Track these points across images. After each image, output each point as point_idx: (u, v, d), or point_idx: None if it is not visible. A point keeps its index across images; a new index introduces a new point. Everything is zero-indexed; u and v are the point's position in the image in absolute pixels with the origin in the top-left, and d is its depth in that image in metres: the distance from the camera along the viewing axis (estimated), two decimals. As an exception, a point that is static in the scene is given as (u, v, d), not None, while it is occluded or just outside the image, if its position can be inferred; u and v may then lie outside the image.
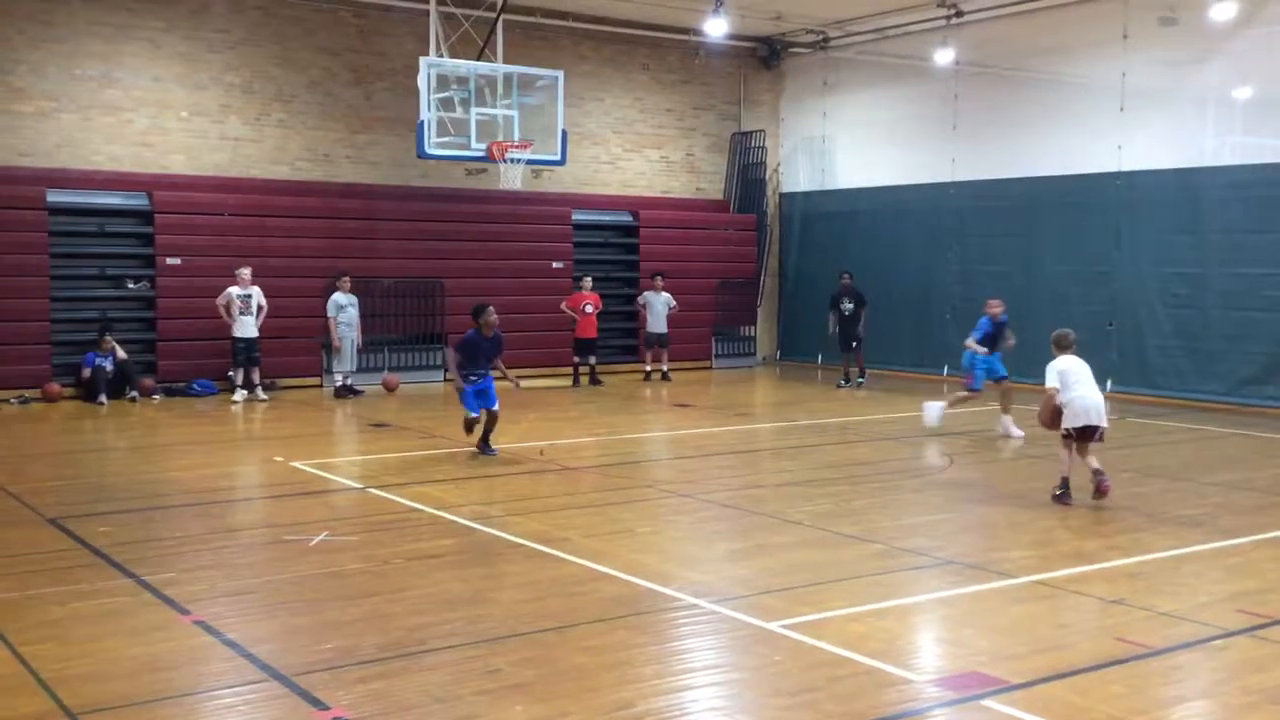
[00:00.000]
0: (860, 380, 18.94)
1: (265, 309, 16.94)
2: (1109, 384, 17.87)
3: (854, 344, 18.89)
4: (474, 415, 12.08)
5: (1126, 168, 17.83)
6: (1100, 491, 9.68)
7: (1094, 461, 9.80)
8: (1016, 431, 13.62)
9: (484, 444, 12.20)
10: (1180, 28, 17.23)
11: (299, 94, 19.05)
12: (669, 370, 20.26)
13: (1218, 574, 7.86)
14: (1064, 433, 9.96)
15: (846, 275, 18.83)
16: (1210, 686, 5.83)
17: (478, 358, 12.20)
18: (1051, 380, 9.99)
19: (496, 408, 12.24)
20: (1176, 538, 8.78)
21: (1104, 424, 9.88)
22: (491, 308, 12.37)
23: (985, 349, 13.81)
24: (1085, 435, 9.84)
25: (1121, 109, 17.85)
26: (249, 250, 17.61)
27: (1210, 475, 11.71)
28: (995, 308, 13.96)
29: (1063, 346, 10.23)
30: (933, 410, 14.18)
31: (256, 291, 16.86)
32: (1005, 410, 13.83)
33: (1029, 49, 19.25)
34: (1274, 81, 16.46)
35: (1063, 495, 9.94)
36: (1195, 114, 17.34)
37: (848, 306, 18.60)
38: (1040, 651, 6.11)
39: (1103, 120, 18.08)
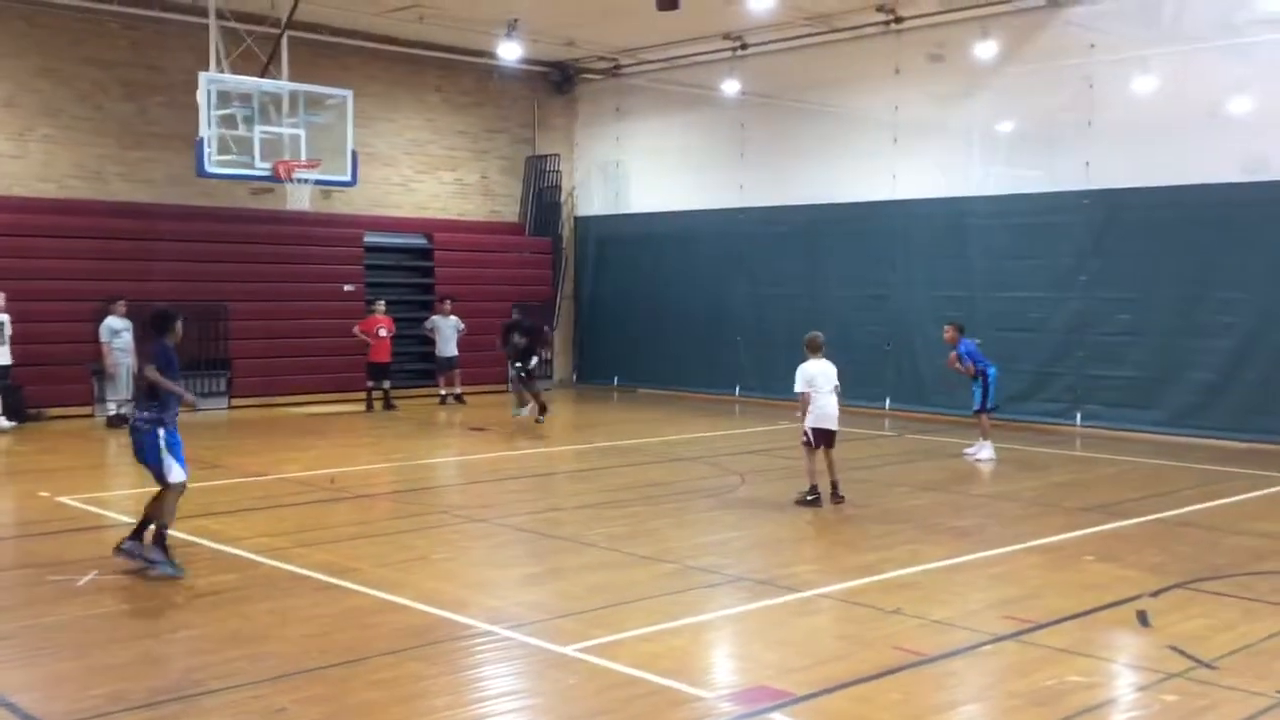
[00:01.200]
0: (539, 418, 17.04)
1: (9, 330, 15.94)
2: (887, 401, 18.74)
3: (525, 375, 17.16)
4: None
5: (900, 196, 18.74)
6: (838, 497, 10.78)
7: (833, 471, 10.78)
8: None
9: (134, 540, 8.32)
10: (947, 64, 18.29)
11: (66, 108, 18.04)
12: (462, 393, 20.07)
13: (986, 582, 8.31)
14: (804, 438, 10.77)
15: (516, 312, 18.44)
16: (980, 691, 6.14)
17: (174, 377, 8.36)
18: (800, 385, 10.72)
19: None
20: (949, 548, 9.23)
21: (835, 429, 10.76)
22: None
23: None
24: (824, 439, 10.72)
25: (895, 140, 18.78)
26: (12, 272, 16.52)
27: (978, 488, 12.39)
28: (946, 333, 14.15)
29: (814, 349, 10.85)
30: (985, 452, 13.99)
31: (7, 319, 15.84)
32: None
33: (810, 81, 20.04)
34: (1031, 116, 17.66)
35: (814, 500, 10.70)
36: (962, 145, 18.41)
37: (519, 340, 17.19)
38: (824, 663, 6.32)
39: (878, 150, 18.96)
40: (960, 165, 18.37)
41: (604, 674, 6.10)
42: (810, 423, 10.70)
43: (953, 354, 14.08)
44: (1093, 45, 16.60)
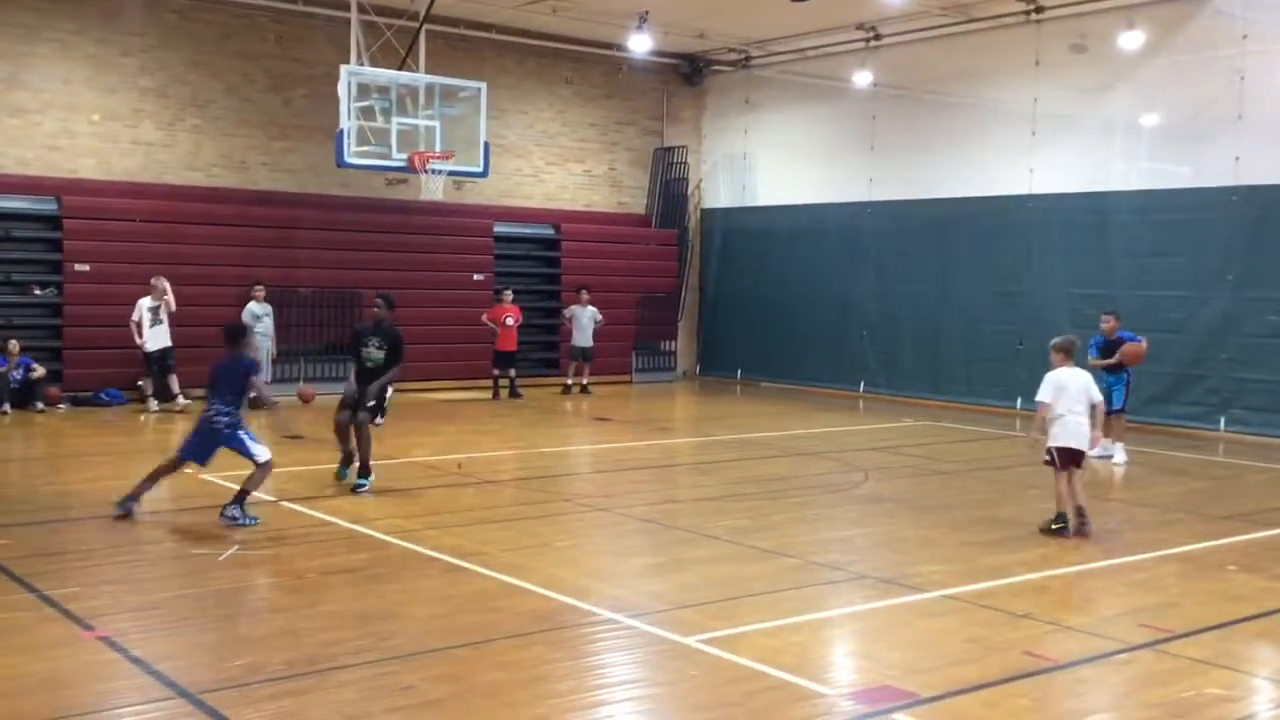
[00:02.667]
0: (359, 483, 10.74)
1: (174, 308, 16.58)
2: (1019, 402, 18.29)
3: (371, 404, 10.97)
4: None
5: (1037, 190, 18.26)
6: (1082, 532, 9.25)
7: (1078, 495, 9.26)
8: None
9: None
10: (1090, 55, 17.72)
11: (214, 99, 18.73)
12: (589, 384, 20.25)
13: (1121, 589, 8.06)
14: (1047, 457, 9.37)
15: (379, 302, 11.38)
16: (1113, 700, 5.97)
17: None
18: (1044, 394, 9.33)
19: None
20: (1083, 553, 8.98)
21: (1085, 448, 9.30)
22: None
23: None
24: (1071, 459, 9.28)
25: (1033, 133, 18.29)
26: (161, 258, 17.24)
27: (1114, 492, 12.02)
28: (1105, 323, 13.62)
29: (1065, 354, 9.42)
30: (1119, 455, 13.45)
31: (167, 301, 16.50)
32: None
33: (945, 73, 19.65)
34: (1177, 109, 17.00)
35: (1062, 528, 9.30)
36: (1104, 139, 17.83)
37: (374, 354, 10.92)
38: (950, 665, 6.21)
39: (1015, 143, 18.50)
40: (1102, 160, 17.80)
41: (725, 666, 6.10)
42: (1055, 440, 9.26)
43: (1130, 346, 13.31)
44: (1245, 36, 15.89)
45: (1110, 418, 13.33)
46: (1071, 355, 9.50)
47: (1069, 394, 9.27)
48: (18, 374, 15.95)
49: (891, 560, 8.75)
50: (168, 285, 16.46)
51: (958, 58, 19.29)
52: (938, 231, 19.61)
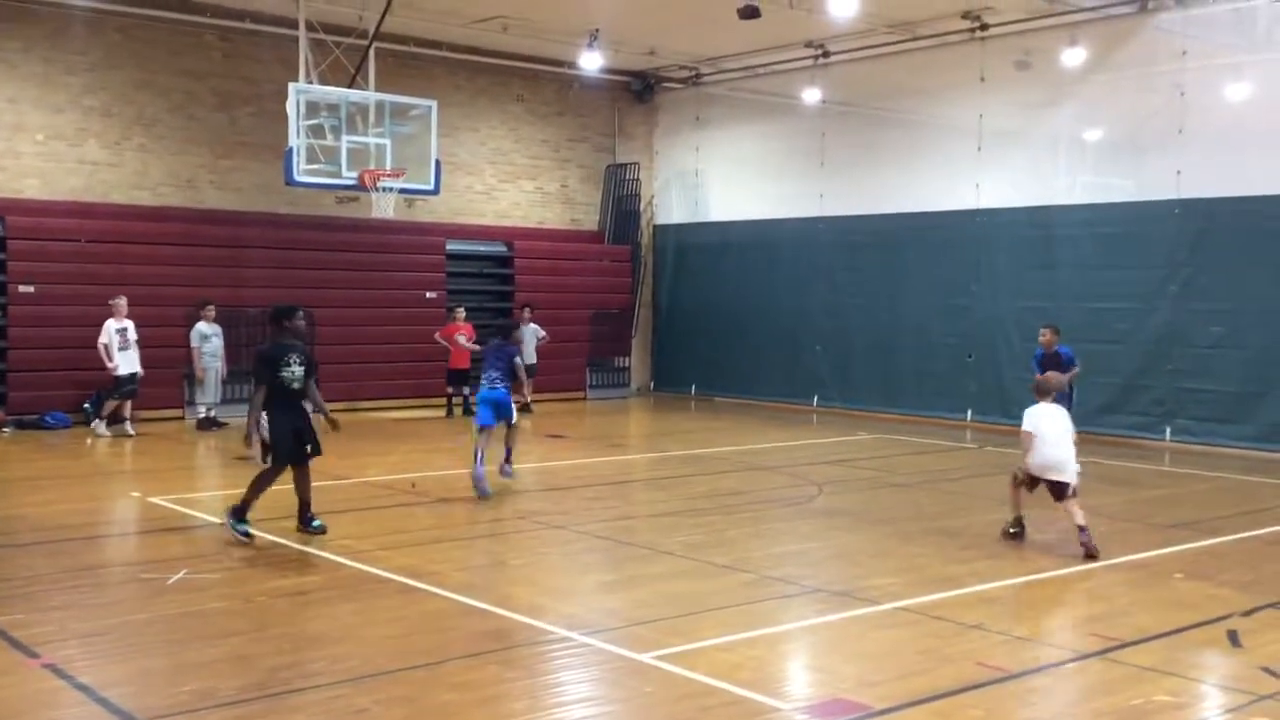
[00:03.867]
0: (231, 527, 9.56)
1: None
2: (969, 413, 18.50)
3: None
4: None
5: (984, 205, 18.50)
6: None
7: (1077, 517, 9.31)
8: None
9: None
10: (1034, 71, 18.01)
11: (161, 118, 18.54)
12: (531, 402, 20.19)
13: (1071, 598, 8.16)
14: (1018, 476, 9.68)
15: (300, 315, 9.78)
16: (1065, 708, 6.04)
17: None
18: (1027, 425, 9.54)
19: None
20: (1032, 563, 9.08)
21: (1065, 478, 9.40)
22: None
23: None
24: (1053, 490, 9.47)
25: (979, 148, 18.55)
26: (108, 278, 17.00)
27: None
28: (1043, 336, 13.78)
29: (1042, 394, 9.75)
30: None
31: (130, 324, 16.26)
32: None
33: (892, 89, 19.88)
34: (1120, 124, 17.32)
35: (1019, 533, 9.71)
36: (1048, 154, 18.12)
37: (298, 373, 9.44)
38: (903, 677, 6.25)
39: (962, 159, 18.75)
40: (1047, 174, 18.08)
41: (681, 683, 6.10)
42: (1038, 471, 9.47)
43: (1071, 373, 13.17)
44: (1184, 52, 16.22)
45: None
46: (1050, 395, 9.76)
47: (1051, 429, 9.45)
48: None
49: (845, 573, 8.80)
50: (123, 303, 16.19)
51: (905, 75, 19.53)
52: (888, 246, 19.80)
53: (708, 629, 7.09)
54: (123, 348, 16.07)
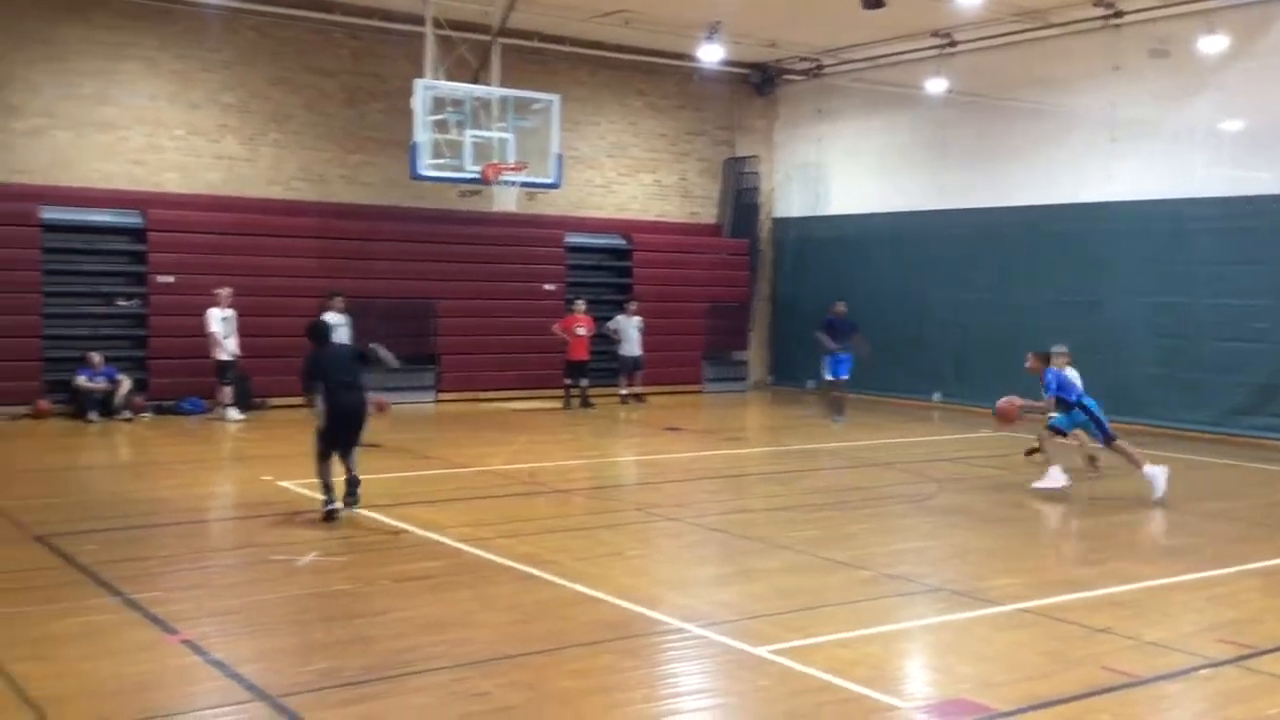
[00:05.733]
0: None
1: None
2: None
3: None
4: None
5: (1115, 197, 17.95)
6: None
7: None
8: None
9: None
10: (1170, 60, 17.37)
11: (294, 114, 19.12)
12: (642, 393, 20.31)
13: (1202, 604, 7.88)
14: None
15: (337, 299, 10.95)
16: (1196, 716, 5.85)
17: None
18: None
19: None
20: (1162, 567, 8.81)
21: None
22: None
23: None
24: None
25: (1111, 139, 17.98)
26: (242, 269, 17.62)
27: (1196, 505, 11.72)
28: (1028, 362, 12.42)
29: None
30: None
31: (233, 313, 16.87)
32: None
33: (1020, 79, 19.40)
34: (1261, 114, 16.60)
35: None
36: (1184, 145, 17.44)
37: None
38: (1027, 679, 6.12)
39: (1092, 150, 18.21)
40: (1181, 166, 17.42)
41: (797, 677, 6.08)
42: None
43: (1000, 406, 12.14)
44: (1332, 37, 15.51)
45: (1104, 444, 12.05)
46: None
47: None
48: (103, 383, 16.37)
49: (966, 572, 8.65)
50: (229, 295, 16.86)
51: (1033, 64, 19.04)
52: (1012, 239, 19.34)
53: (824, 624, 7.04)
54: (226, 335, 16.67)
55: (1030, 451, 13.69)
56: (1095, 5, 17.39)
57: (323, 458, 9.93)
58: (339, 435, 9.91)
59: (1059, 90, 18.90)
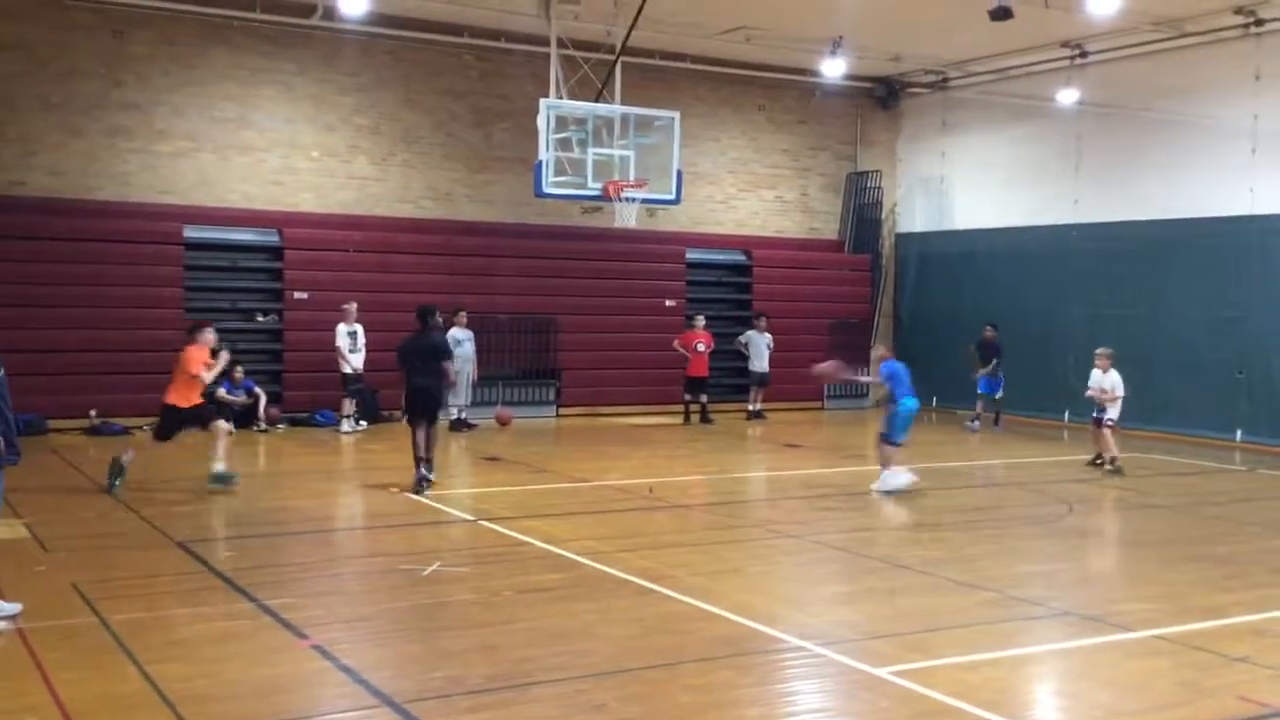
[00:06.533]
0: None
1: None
2: (1238, 434, 17.29)
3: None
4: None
5: (1259, 210, 17.26)
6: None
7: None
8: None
9: None
10: (1317, 67, 16.68)
11: (423, 135, 19.61)
12: (763, 409, 20.22)
13: (1352, 635, 7.51)
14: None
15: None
16: (1341, 753, 5.58)
17: None
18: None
19: None
20: (1308, 596, 8.42)
21: None
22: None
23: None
24: None
25: (1253, 151, 17.32)
26: (372, 286, 18.12)
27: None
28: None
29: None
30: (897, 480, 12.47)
31: (360, 328, 17.33)
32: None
33: (1156, 89, 18.82)
34: None
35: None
36: (1333, 156, 16.74)
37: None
38: (1160, 708, 5.93)
39: (1233, 162, 17.57)
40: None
41: (918, 699, 5.98)
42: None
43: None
44: None
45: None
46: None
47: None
48: (241, 396, 16.99)
49: (1096, 597, 8.40)
50: (355, 311, 17.31)
51: (1170, 74, 18.45)
52: (1148, 254, 18.75)
53: (946, 646, 6.92)
54: (352, 350, 17.13)
55: (1097, 462, 14.39)
56: (1235, 13, 16.80)
57: (412, 433, 11.58)
58: (413, 413, 11.72)
59: (1198, 100, 18.27)
